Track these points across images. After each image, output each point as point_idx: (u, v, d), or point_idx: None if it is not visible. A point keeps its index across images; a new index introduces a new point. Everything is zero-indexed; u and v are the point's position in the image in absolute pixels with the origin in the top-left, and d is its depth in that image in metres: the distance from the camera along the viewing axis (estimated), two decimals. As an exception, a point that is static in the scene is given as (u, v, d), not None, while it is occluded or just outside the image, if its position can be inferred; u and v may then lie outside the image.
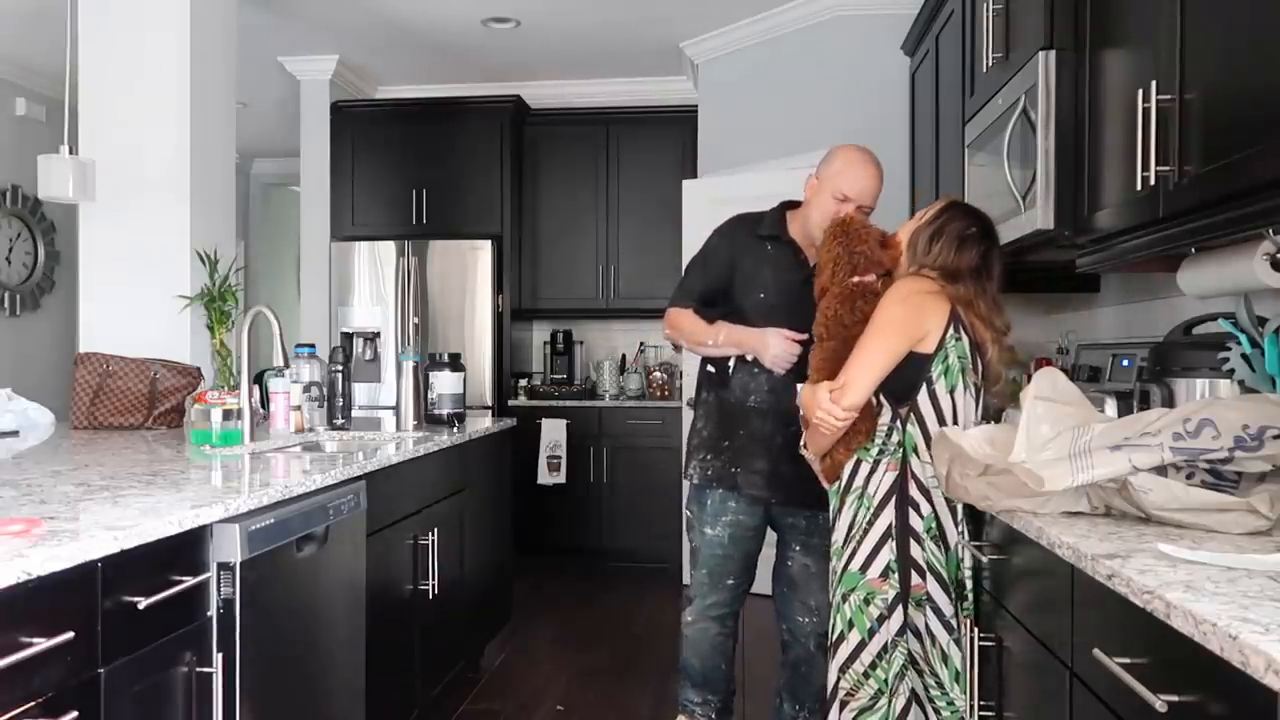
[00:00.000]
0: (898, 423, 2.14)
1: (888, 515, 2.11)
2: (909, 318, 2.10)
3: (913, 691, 2.14)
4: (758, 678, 3.64)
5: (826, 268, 2.30)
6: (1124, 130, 2.02)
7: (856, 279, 2.24)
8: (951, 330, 2.10)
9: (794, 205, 2.75)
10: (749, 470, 2.67)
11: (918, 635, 2.12)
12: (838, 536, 2.21)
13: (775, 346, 2.57)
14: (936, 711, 2.11)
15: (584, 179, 6.07)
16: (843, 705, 2.15)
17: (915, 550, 2.09)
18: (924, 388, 2.11)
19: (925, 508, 2.10)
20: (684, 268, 2.88)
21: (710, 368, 2.79)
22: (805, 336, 2.50)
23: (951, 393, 2.11)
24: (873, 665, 2.11)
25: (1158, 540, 1.43)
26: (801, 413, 2.30)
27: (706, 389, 2.80)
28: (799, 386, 2.48)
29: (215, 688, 1.80)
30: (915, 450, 2.10)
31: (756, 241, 2.70)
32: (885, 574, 2.10)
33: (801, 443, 2.33)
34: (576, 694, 3.68)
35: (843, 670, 2.14)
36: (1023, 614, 1.79)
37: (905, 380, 2.11)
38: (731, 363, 2.71)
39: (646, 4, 4.96)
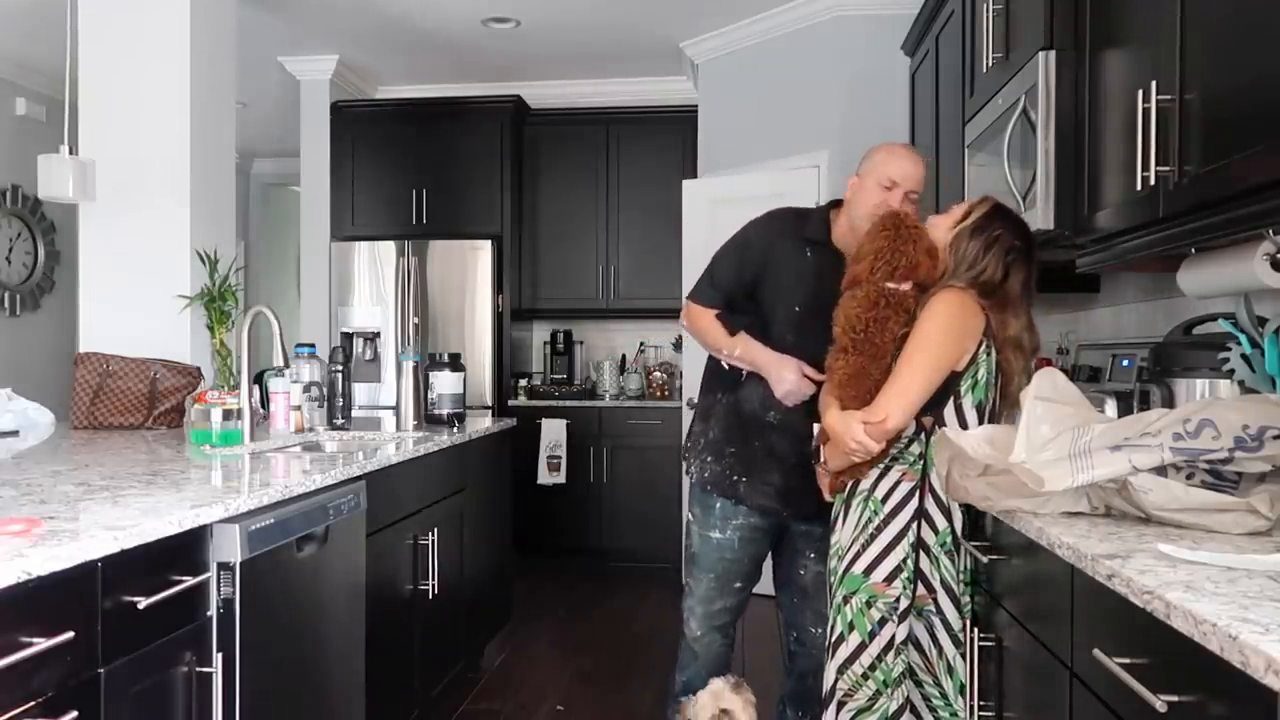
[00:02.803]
0: (921, 434, 2.10)
1: (899, 523, 2.09)
2: (954, 344, 2.04)
3: (908, 699, 2.13)
4: (755, 675, 3.63)
5: (866, 258, 2.13)
6: (1124, 130, 2.02)
7: (892, 285, 2.10)
8: (984, 346, 2.07)
9: (840, 204, 2.55)
10: (760, 481, 2.54)
11: (918, 646, 2.11)
12: (842, 538, 2.19)
13: (790, 383, 2.44)
14: None
15: (584, 179, 6.07)
16: (840, 705, 2.15)
17: (924, 562, 2.08)
18: (950, 401, 2.07)
19: (941, 522, 2.07)
20: (714, 255, 2.64)
21: (725, 365, 2.62)
22: (824, 378, 2.34)
23: (977, 408, 2.08)
24: (871, 667, 2.10)
25: (1158, 540, 1.43)
26: (816, 430, 2.27)
27: (721, 390, 2.63)
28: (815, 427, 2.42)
29: (215, 688, 1.80)
30: (936, 464, 2.06)
31: (798, 245, 2.49)
32: (889, 579, 2.09)
33: (821, 459, 2.25)
34: (576, 694, 3.68)
35: (841, 671, 2.14)
36: (1022, 614, 1.79)
37: (934, 393, 2.07)
38: (745, 370, 2.57)
39: (646, 4, 4.96)
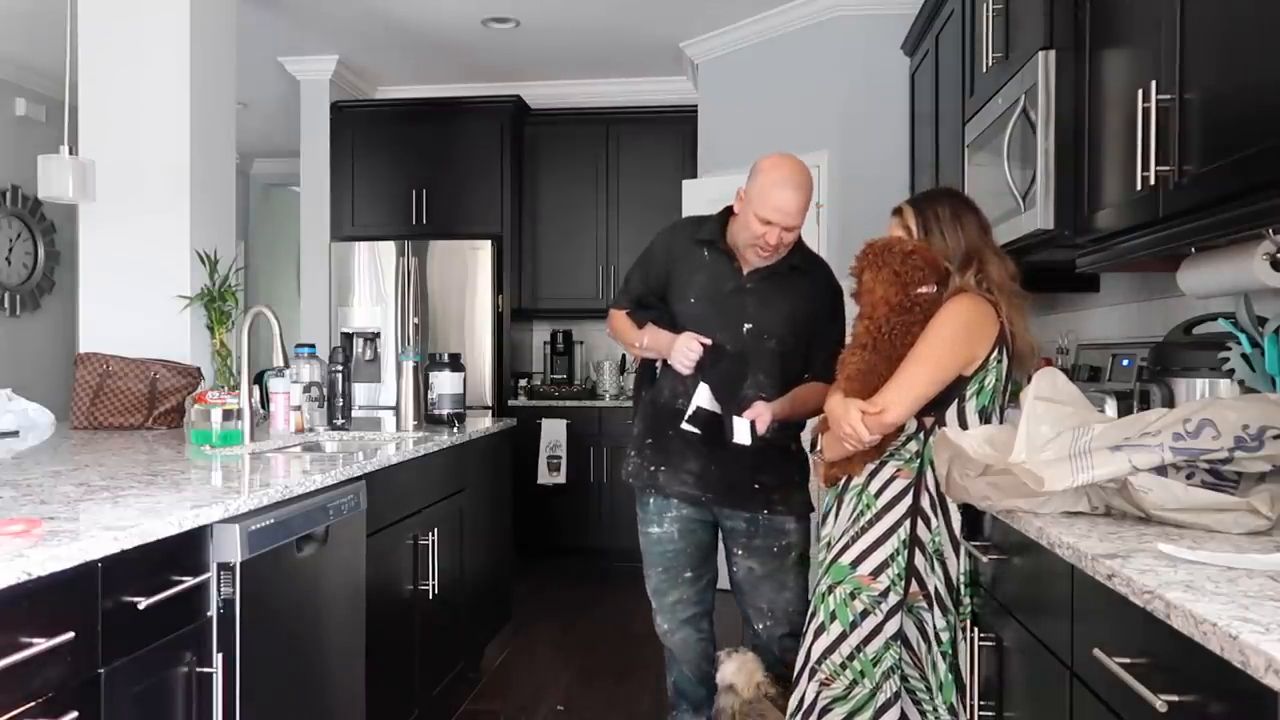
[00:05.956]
0: (920, 434, 2.10)
1: (890, 519, 2.10)
2: (963, 347, 2.04)
3: (898, 694, 2.13)
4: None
5: (892, 284, 2.09)
6: (1124, 130, 2.02)
7: (924, 290, 2.10)
8: (995, 353, 2.07)
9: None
10: (678, 469, 2.64)
11: (907, 643, 2.12)
12: (833, 531, 2.20)
13: (678, 350, 2.50)
14: (929, 715, 2.11)
15: (584, 179, 6.07)
16: (817, 693, 2.16)
17: (919, 560, 2.08)
18: (955, 404, 2.08)
19: (935, 522, 2.08)
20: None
21: (639, 362, 2.84)
22: (710, 342, 2.48)
23: (980, 413, 2.08)
24: (850, 657, 2.11)
25: (1158, 540, 1.43)
26: (817, 420, 2.28)
27: (643, 387, 2.81)
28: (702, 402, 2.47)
29: (215, 688, 1.80)
30: (934, 464, 2.06)
31: (694, 246, 2.64)
32: (876, 573, 2.10)
33: (818, 449, 2.27)
34: (576, 694, 3.68)
35: (821, 660, 2.15)
36: (1023, 614, 1.79)
37: (938, 395, 2.07)
38: (659, 362, 2.71)
39: (646, 4, 4.96)
